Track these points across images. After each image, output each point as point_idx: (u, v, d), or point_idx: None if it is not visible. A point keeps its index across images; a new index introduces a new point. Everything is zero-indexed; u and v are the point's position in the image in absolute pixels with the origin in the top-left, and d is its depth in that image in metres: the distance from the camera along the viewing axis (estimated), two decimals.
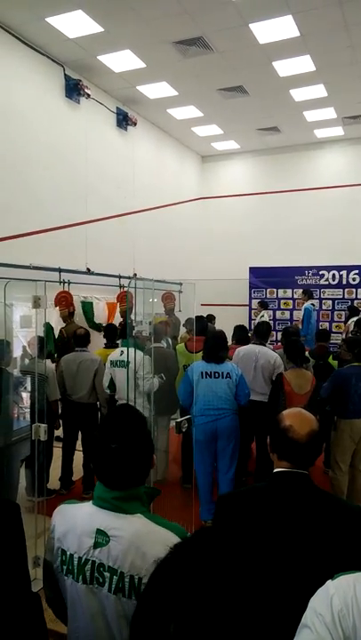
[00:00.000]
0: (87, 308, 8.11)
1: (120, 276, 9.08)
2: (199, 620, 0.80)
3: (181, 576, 0.86)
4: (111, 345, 5.88)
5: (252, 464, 5.37)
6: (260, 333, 5.35)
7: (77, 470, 5.27)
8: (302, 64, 7.72)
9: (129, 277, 9.30)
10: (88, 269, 8.27)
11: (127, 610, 1.36)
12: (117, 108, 9.24)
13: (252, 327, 9.12)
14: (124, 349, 4.82)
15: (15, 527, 1.58)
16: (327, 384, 4.52)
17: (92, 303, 8.20)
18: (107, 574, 1.38)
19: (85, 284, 8.17)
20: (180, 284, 10.73)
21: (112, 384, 4.93)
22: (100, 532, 1.40)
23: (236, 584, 0.85)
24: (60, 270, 7.60)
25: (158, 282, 9.91)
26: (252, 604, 0.84)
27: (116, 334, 6.05)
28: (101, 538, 1.40)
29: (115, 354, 5.00)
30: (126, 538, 1.38)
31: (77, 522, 1.45)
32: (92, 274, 8.34)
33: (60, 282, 7.64)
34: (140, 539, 1.37)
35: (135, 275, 9.53)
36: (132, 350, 4.71)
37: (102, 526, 1.40)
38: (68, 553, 1.44)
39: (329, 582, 1.12)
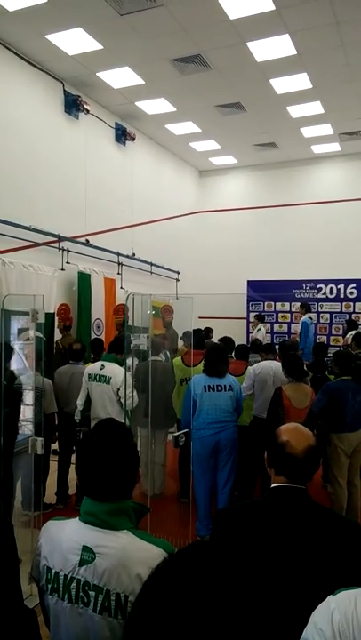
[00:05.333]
0: (85, 280, 8.12)
1: (119, 254, 9.23)
2: (191, 624, 0.80)
3: (175, 582, 0.86)
4: (98, 359, 5.75)
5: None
6: (269, 349, 5.52)
7: (74, 484, 5.23)
8: (299, 81, 7.83)
9: (127, 256, 9.45)
10: (87, 240, 8.39)
11: (112, 630, 1.32)
12: (116, 123, 9.34)
13: (250, 340, 9.16)
14: (105, 363, 4.75)
15: (7, 546, 1.57)
16: (319, 398, 4.50)
17: (89, 275, 8.23)
18: (92, 593, 1.34)
19: (85, 255, 8.36)
20: (178, 272, 11.00)
21: (87, 400, 4.75)
22: (86, 548, 1.37)
23: (228, 593, 0.85)
24: (59, 238, 7.71)
25: (156, 266, 10.19)
26: (245, 612, 0.84)
27: (103, 348, 5.83)
28: (87, 555, 1.36)
29: (94, 367, 4.84)
30: (113, 555, 1.35)
31: (63, 539, 1.42)
32: (91, 246, 8.47)
33: (60, 249, 7.73)
34: (127, 555, 1.34)
35: (134, 254, 9.64)
36: (114, 365, 4.68)
37: (89, 543, 1.37)
38: (54, 571, 1.40)
39: (330, 597, 1.12)
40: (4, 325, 3.98)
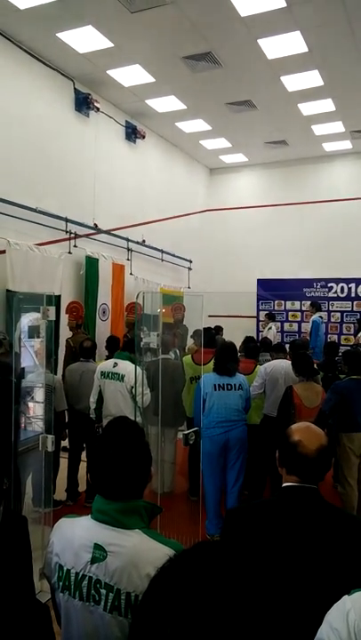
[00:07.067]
0: (92, 265, 8.08)
1: (128, 240, 9.22)
2: (195, 625, 0.79)
3: (179, 582, 0.85)
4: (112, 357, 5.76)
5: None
6: (279, 349, 5.52)
7: (83, 481, 5.25)
8: (311, 79, 7.77)
9: (137, 242, 9.45)
10: (95, 225, 8.36)
11: (122, 630, 1.32)
12: (126, 121, 9.33)
13: (260, 339, 9.14)
14: (118, 361, 4.76)
15: (22, 540, 1.58)
16: (329, 397, 4.48)
17: (97, 260, 8.22)
18: (103, 591, 1.35)
19: (94, 239, 8.35)
20: (191, 261, 10.97)
21: (100, 397, 4.79)
22: (97, 546, 1.37)
23: (234, 592, 0.84)
24: (66, 220, 7.68)
25: (167, 254, 10.24)
26: (254, 612, 0.83)
27: (118, 347, 5.88)
28: (99, 553, 1.37)
29: (107, 364, 4.86)
30: (124, 553, 1.35)
31: (75, 536, 1.43)
32: (100, 231, 8.44)
33: (67, 231, 7.69)
34: (138, 555, 1.35)
35: (144, 241, 9.63)
36: (127, 363, 4.68)
37: (100, 541, 1.38)
38: (65, 568, 1.41)
39: (346, 597, 1.12)
40: (14, 320, 4.00)
